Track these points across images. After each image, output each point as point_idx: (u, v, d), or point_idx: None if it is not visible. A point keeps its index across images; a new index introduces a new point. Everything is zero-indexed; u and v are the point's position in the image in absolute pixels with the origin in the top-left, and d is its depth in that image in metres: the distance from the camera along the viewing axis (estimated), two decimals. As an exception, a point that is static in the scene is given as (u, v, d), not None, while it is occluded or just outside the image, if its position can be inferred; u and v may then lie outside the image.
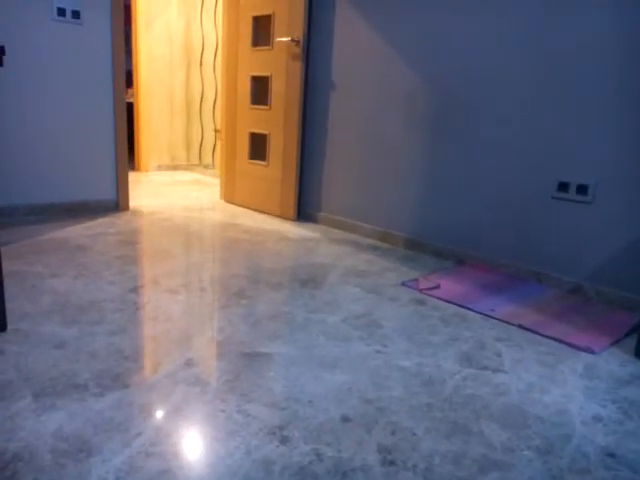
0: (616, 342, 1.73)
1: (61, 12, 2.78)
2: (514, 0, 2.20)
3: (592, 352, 1.64)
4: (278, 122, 3.23)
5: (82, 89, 2.94)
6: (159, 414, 1.18)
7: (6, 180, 2.79)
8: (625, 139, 1.97)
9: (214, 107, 4.84)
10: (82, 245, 2.44)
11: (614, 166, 2.01)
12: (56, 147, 2.92)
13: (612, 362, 1.59)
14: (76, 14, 2.83)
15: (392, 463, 1.07)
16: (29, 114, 2.79)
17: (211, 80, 4.82)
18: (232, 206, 3.62)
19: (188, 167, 5.26)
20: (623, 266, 2.03)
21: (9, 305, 1.71)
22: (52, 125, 2.88)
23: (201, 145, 5.09)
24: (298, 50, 3.02)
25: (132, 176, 4.65)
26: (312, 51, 3.11)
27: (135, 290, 1.93)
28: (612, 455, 1.14)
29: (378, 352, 1.56)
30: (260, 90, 3.38)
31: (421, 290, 2.10)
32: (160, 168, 5.08)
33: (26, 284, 1.91)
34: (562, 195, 2.16)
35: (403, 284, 2.18)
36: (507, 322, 1.84)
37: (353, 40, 2.86)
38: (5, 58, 2.66)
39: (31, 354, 1.41)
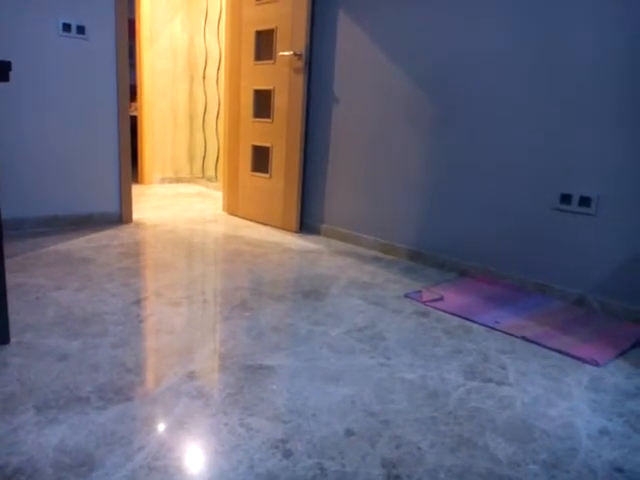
0: (621, 354, 1.72)
1: (66, 27, 2.81)
2: (517, 5, 2.22)
3: (597, 364, 1.62)
4: (281, 135, 3.25)
5: (87, 103, 2.96)
6: (162, 427, 1.18)
7: (11, 193, 2.80)
8: (628, 151, 1.97)
9: (217, 120, 4.88)
10: (85, 257, 2.44)
11: (617, 178, 2.01)
12: (60, 160, 2.94)
13: (618, 375, 1.58)
14: (81, 29, 2.86)
15: (397, 478, 1.06)
16: (34, 128, 2.81)
17: (214, 94, 4.86)
18: (235, 218, 3.63)
19: (191, 180, 5.29)
20: (627, 278, 2.02)
21: (13, 317, 1.71)
22: (56, 139, 2.90)
23: (204, 158, 5.11)
24: (300, 64, 3.05)
25: (135, 189, 4.66)
26: (314, 64, 3.14)
27: (138, 302, 1.92)
28: (620, 470, 1.12)
29: (382, 365, 1.55)
30: (263, 103, 3.40)
31: (424, 302, 2.10)
32: (163, 181, 5.11)
33: (30, 296, 1.91)
34: (565, 207, 2.16)
35: (406, 296, 2.17)
36: (511, 334, 1.83)
37: (355, 53, 2.89)
38: (11, 73, 2.69)
39: (34, 367, 1.41)
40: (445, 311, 2.02)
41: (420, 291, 2.23)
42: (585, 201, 2.10)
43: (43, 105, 2.82)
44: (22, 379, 1.34)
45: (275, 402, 1.31)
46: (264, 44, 3.34)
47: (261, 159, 3.47)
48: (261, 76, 3.32)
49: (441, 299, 2.13)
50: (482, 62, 2.35)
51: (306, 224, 3.35)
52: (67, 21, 2.81)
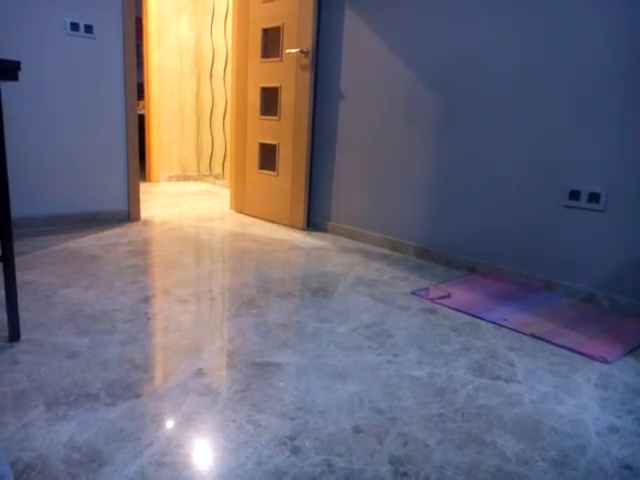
0: (630, 352, 1.71)
1: (74, 27, 2.83)
2: (522, 3, 2.20)
3: (606, 362, 1.61)
4: (287, 132, 3.25)
5: (95, 102, 2.98)
6: (170, 424, 1.18)
7: (20, 192, 2.82)
8: (637, 145, 1.96)
9: (224, 118, 4.89)
10: (94, 255, 2.46)
11: (626, 173, 2.00)
12: (69, 159, 2.96)
13: (627, 372, 1.57)
14: (89, 29, 2.88)
15: (404, 475, 1.06)
16: (43, 127, 2.83)
17: (221, 92, 4.87)
18: (242, 216, 3.64)
19: (199, 177, 5.30)
20: (637, 274, 2.01)
21: (23, 315, 1.73)
22: (65, 137, 2.92)
23: (211, 156, 5.13)
24: (307, 61, 3.04)
25: (143, 187, 4.69)
26: (321, 62, 3.13)
27: (146, 300, 1.94)
28: (629, 467, 1.12)
29: (389, 362, 1.55)
30: (270, 101, 3.40)
31: (432, 299, 2.09)
32: (171, 179, 5.13)
33: (39, 294, 1.93)
34: (574, 203, 2.14)
35: (413, 293, 2.17)
36: (519, 331, 1.82)
37: (362, 50, 2.88)
38: (20, 72, 2.71)
39: (44, 364, 1.42)
40: (453, 308, 2.01)
41: (427, 288, 2.22)
42: (594, 197, 2.08)
43: (51, 104, 2.84)
44: (32, 376, 1.35)
45: (283, 399, 1.31)
46: (271, 41, 3.33)
47: (268, 157, 3.47)
48: (268, 74, 3.32)
49: (448, 296, 2.13)
50: (489, 60, 2.34)
51: (313, 221, 3.35)
52: (75, 20, 2.82)
